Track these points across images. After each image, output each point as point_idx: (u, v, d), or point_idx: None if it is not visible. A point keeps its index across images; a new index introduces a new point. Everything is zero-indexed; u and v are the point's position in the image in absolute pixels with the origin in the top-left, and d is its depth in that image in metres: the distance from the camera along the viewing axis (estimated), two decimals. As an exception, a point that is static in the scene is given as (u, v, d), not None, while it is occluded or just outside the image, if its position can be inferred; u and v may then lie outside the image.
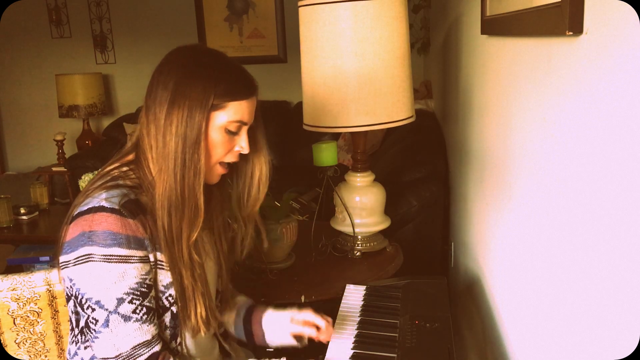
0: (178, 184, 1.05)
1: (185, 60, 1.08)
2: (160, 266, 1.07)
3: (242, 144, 1.12)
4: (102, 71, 4.64)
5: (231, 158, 1.13)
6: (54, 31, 4.73)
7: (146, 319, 1.04)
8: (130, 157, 1.12)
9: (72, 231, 1.02)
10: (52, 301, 1.25)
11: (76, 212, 1.03)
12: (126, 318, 1.02)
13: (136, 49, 4.67)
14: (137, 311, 1.03)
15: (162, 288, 1.09)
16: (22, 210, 2.94)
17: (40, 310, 1.24)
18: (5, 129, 5.02)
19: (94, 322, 1.02)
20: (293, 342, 1.26)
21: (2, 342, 1.24)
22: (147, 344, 1.04)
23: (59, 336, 1.28)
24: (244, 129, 1.12)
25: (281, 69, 4.50)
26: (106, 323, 1.01)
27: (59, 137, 4.33)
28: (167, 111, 1.04)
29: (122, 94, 4.80)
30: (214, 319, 1.15)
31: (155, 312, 1.07)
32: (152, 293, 1.07)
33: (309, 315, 1.25)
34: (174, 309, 1.10)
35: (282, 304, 1.36)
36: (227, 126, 1.08)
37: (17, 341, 1.25)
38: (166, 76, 1.07)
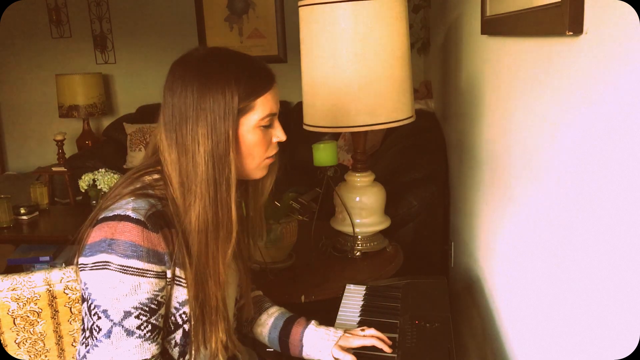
0: (212, 203, 1.02)
1: (195, 73, 1.03)
2: (178, 282, 1.05)
3: (278, 134, 1.11)
4: (102, 71, 4.64)
5: (273, 150, 1.12)
6: (54, 31, 4.73)
7: (149, 336, 1.02)
8: (158, 168, 1.09)
9: (95, 235, 1.00)
10: (52, 301, 1.25)
11: (101, 216, 1.01)
12: (129, 332, 1.00)
13: (136, 49, 4.66)
14: (142, 327, 1.01)
15: (176, 305, 1.06)
16: (22, 210, 2.94)
17: (40, 310, 1.24)
18: (5, 129, 5.02)
19: (97, 330, 1.00)
20: None
21: (2, 342, 1.23)
22: None
23: (59, 336, 1.28)
24: (276, 120, 1.11)
25: (281, 69, 4.48)
26: (108, 334, 1.00)
27: (59, 137, 4.33)
28: (192, 131, 1.01)
29: (122, 94, 4.79)
30: (232, 342, 1.13)
31: (160, 331, 1.05)
32: (162, 311, 1.04)
33: (354, 341, 1.22)
34: (186, 326, 1.08)
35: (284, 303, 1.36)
36: (260, 124, 1.06)
37: (17, 341, 1.25)
38: (181, 95, 1.02)
